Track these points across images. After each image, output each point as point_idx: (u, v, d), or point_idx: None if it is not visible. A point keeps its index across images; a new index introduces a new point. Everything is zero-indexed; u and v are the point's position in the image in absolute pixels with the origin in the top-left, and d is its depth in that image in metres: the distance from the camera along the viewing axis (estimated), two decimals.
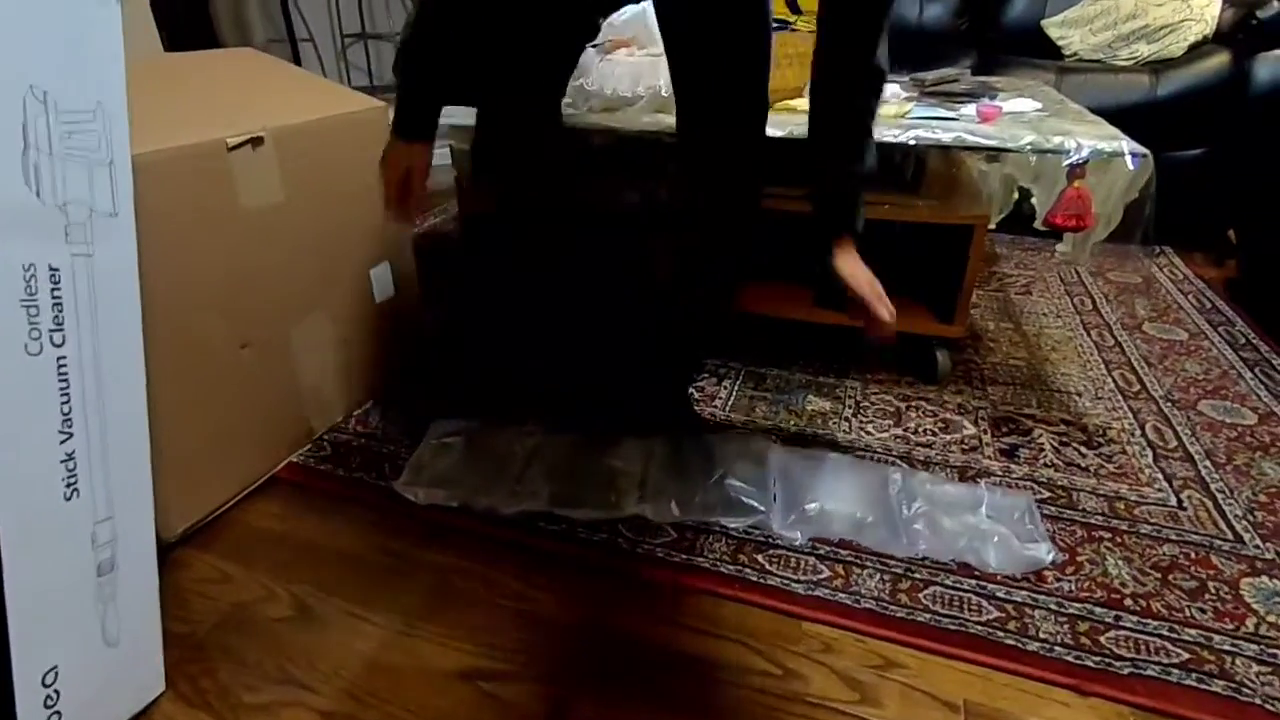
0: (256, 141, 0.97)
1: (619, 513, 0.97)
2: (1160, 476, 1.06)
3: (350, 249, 1.19)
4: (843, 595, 0.86)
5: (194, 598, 0.88)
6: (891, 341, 0.96)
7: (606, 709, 0.73)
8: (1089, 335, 1.52)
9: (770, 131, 1.17)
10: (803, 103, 1.34)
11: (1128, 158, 0.99)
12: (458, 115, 1.33)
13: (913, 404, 1.25)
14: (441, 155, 1.85)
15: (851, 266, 0.93)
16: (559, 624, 0.83)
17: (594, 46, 1.37)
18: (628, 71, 1.30)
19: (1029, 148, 1.04)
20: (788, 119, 1.23)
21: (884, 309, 0.90)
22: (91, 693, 0.66)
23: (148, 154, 0.83)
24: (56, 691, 0.62)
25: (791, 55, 1.36)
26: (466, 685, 0.76)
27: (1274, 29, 1.87)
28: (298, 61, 2.90)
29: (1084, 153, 1.01)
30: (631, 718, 0.72)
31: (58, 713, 0.62)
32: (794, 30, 1.45)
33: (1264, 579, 0.87)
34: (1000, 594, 0.85)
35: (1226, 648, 0.78)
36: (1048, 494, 1.02)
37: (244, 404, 1.02)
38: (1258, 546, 0.92)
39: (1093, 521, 0.97)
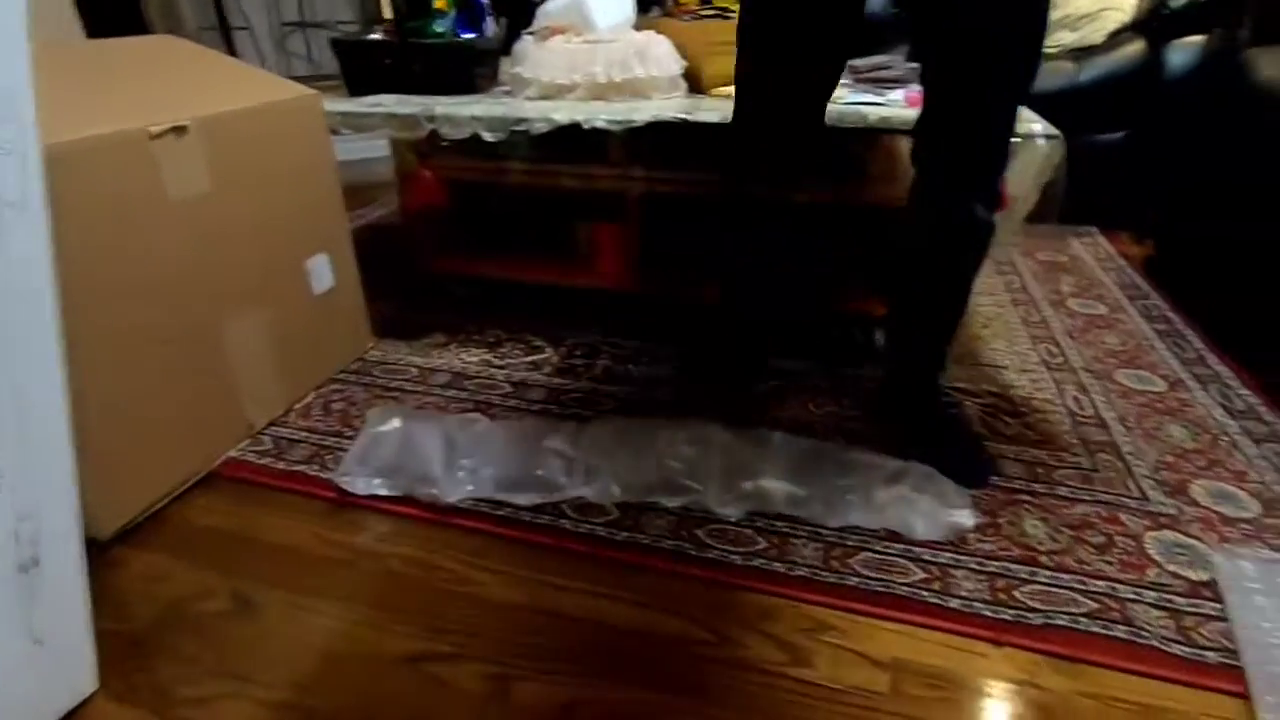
0: (180, 130, 0.95)
1: (561, 495, 0.99)
2: (1077, 441, 1.12)
3: (285, 240, 1.17)
4: (778, 564, 0.89)
5: (130, 596, 0.86)
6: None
7: (550, 685, 0.75)
8: (1017, 311, 1.58)
9: (706, 118, 1.19)
10: None
11: (1040, 139, 1.04)
12: (394, 104, 1.32)
13: (850, 382, 1.29)
14: (380, 147, 1.84)
15: None
16: (503, 605, 0.85)
17: (530, 34, 1.37)
18: (564, 59, 1.31)
19: None
20: (725, 106, 1.26)
21: None
22: (19, 691, 0.65)
23: (64, 144, 0.81)
24: None
25: (726, 43, 1.38)
26: (411, 669, 0.77)
27: (1185, 17, 1.97)
28: (232, 50, 2.81)
29: None
30: (574, 692, 0.74)
31: None
32: (728, 18, 1.47)
33: (1165, 532, 0.93)
34: (926, 557, 0.90)
35: (1129, 596, 0.84)
36: (996, 477, 1.07)
37: (177, 399, 1.00)
38: (1161, 503, 0.99)
39: (1014, 486, 1.02)
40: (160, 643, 0.80)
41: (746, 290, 1.21)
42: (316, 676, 0.76)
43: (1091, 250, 1.95)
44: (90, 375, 0.83)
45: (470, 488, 0.99)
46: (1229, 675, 0.74)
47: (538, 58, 1.32)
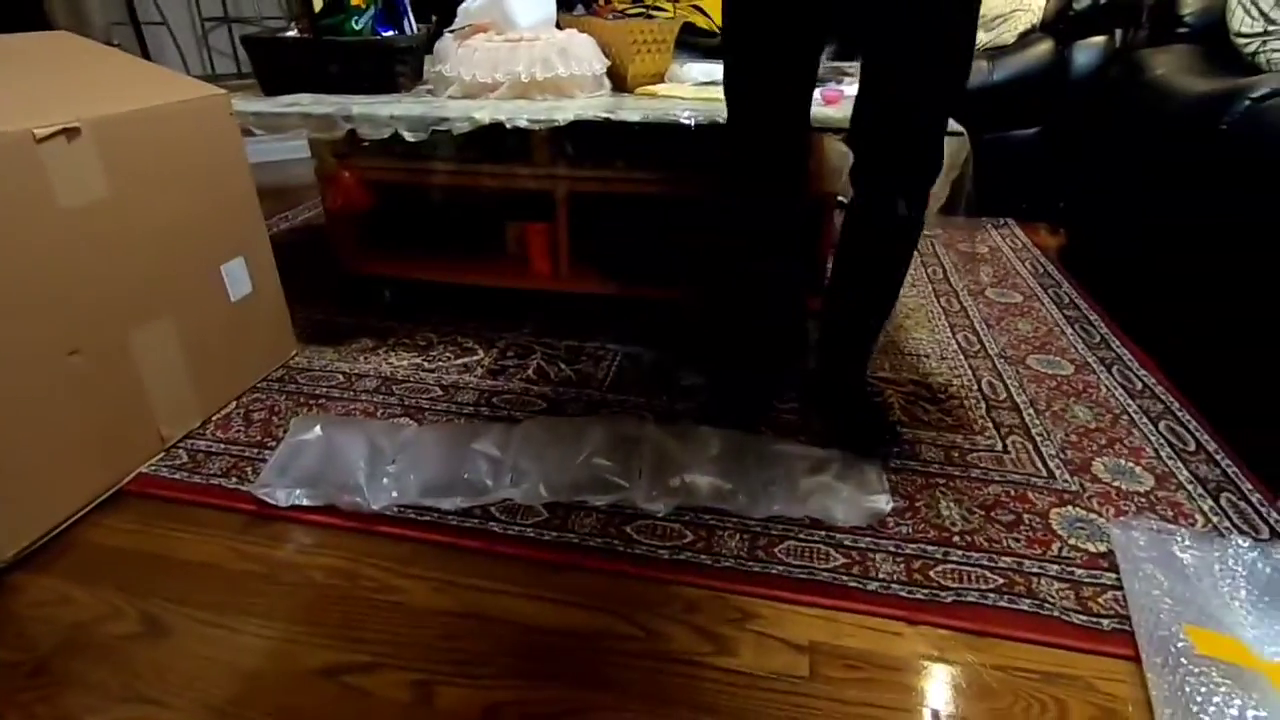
0: (71, 133, 0.91)
1: (489, 498, 0.98)
2: (990, 425, 1.18)
3: (196, 245, 1.12)
4: (705, 557, 0.90)
5: (30, 623, 0.82)
6: None
7: (474, 689, 0.74)
8: (939, 301, 1.64)
9: (628, 116, 1.20)
10: (663, 87, 1.38)
11: (947, 136, 1.08)
12: (310, 104, 1.29)
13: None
14: (301, 148, 1.79)
15: None
16: (427, 611, 0.84)
17: (451, 32, 1.35)
18: (486, 57, 1.29)
19: None
20: (648, 104, 1.27)
21: None
22: None
23: None
24: None
25: (650, 42, 1.39)
26: (329, 681, 0.75)
27: (1089, 18, 2.07)
28: (144, 47, 2.68)
29: None
30: (498, 694, 0.74)
31: None
32: (652, 18, 1.49)
33: (1069, 508, 0.99)
34: (847, 542, 0.92)
35: (1034, 570, 0.88)
36: (895, 448, 1.11)
37: (80, 414, 0.95)
38: (1066, 480, 1.04)
39: (931, 470, 1.06)
40: (63, 670, 0.77)
41: (745, 295, 1.20)
42: (231, 696, 0.74)
43: (1009, 241, 2.04)
44: None
45: (395, 494, 0.98)
46: (1122, 640, 0.79)
47: (459, 56, 1.30)
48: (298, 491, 0.98)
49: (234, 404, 1.22)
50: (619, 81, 1.39)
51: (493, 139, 1.27)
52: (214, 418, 1.18)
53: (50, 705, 0.73)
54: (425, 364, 1.36)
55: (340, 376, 1.31)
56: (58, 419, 0.92)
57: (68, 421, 0.94)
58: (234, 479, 1.04)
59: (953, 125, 1.11)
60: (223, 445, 1.11)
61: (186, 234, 1.10)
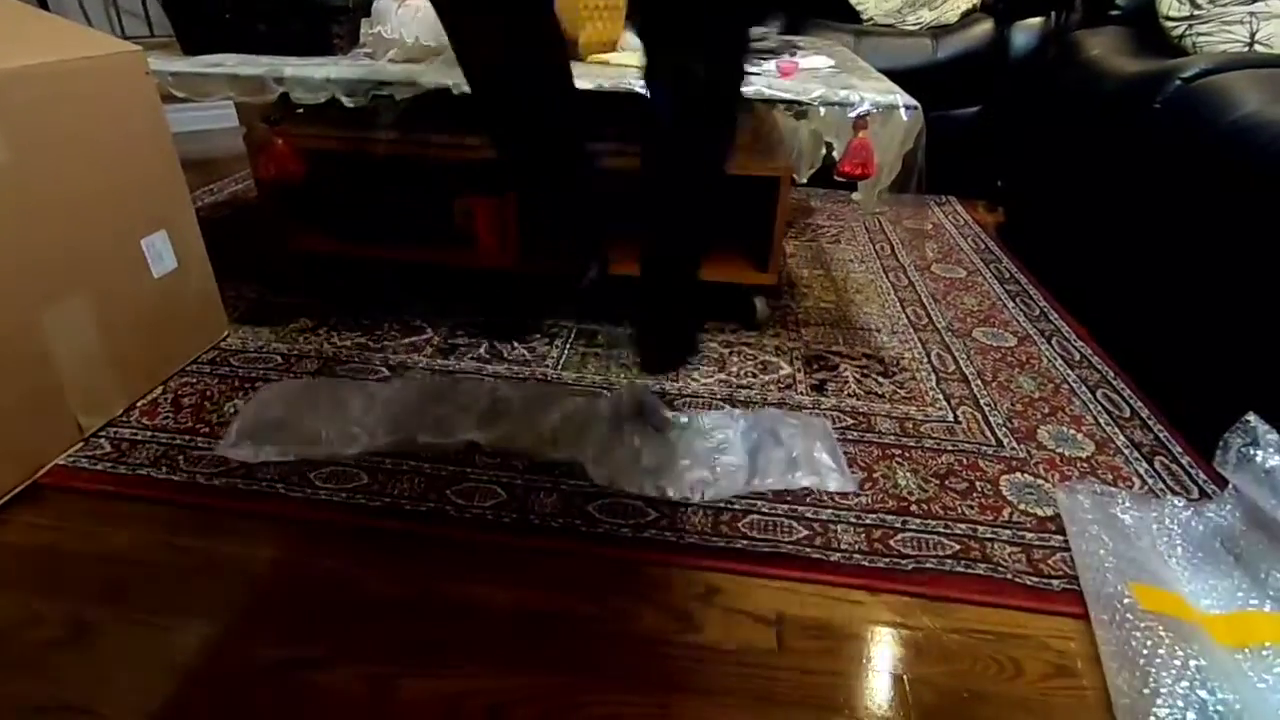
0: None
1: (455, 438, 0.95)
2: (941, 397, 1.20)
3: (112, 217, 1.03)
4: (669, 534, 0.89)
5: None
6: None
7: (436, 679, 0.72)
8: (888, 277, 1.67)
9: (581, 84, 1.16)
10: (616, 56, 1.34)
11: (902, 110, 1.09)
12: (237, 65, 1.20)
13: (735, 349, 1.32)
14: (229, 116, 1.67)
15: None
16: (383, 601, 0.80)
17: None
18: (429, 20, 1.23)
19: (819, 100, 1.11)
20: (599, 71, 1.23)
21: None
22: None
23: None
24: None
25: (602, 7, 1.34)
26: (279, 678, 0.71)
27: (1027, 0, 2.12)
28: (44, 5, 2.45)
29: (865, 105, 1.09)
30: (462, 684, 0.71)
31: None
32: None
33: (1018, 475, 1.02)
34: (809, 514, 0.93)
35: (988, 536, 0.91)
36: (850, 421, 1.12)
37: None
38: (1013, 448, 1.07)
39: (886, 441, 1.08)
40: None
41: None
42: (173, 700, 0.69)
43: (951, 218, 2.09)
44: None
45: (369, 442, 0.93)
46: (1071, 599, 0.82)
47: (400, 18, 1.23)
48: (267, 448, 0.93)
49: (160, 389, 1.14)
50: (569, 49, 1.34)
51: (438, 106, 1.21)
52: (139, 404, 1.10)
53: None
54: (370, 343, 1.29)
55: (278, 358, 1.24)
56: None
57: None
58: (164, 468, 0.97)
59: (907, 99, 1.12)
60: (150, 433, 1.04)
61: (101, 205, 1.01)
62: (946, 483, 1.00)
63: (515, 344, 1.31)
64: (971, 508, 0.95)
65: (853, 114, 1.09)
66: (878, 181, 1.18)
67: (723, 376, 1.23)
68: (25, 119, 0.89)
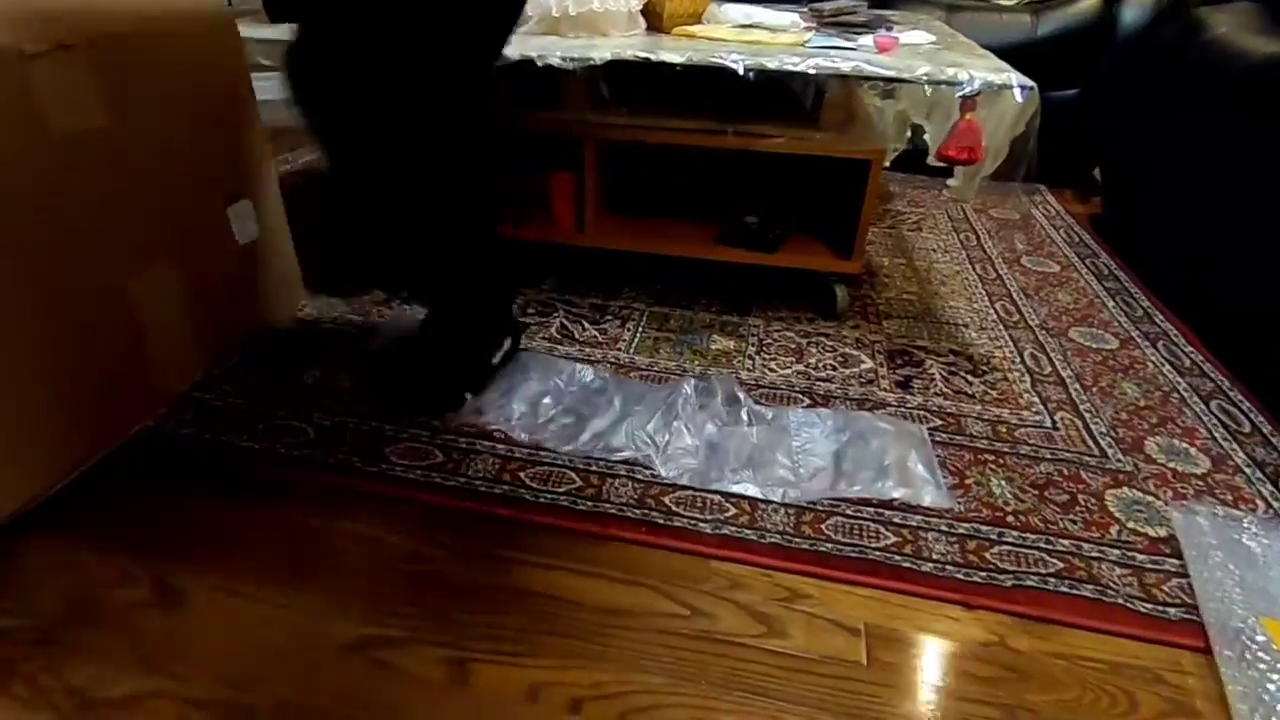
0: (67, 49, 0.81)
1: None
2: (1037, 400, 1.13)
3: (202, 184, 1.04)
4: (749, 532, 0.86)
5: (32, 589, 0.77)
6: None
7: (513, 668, 0.70)
8: (974, 269, 1.58)
9: (669, 58, 1.11)
10: (702, 28, 1.28)
11: (1016, 90, 1.01)
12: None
13: (813, 340, 1.26)
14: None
15: None
16: (457, 583, 0.79)
17: None
18: None
19: (925, 78, 1.03)
20: (686, 45, 1.17)
21: None
22: None
23: None
24: None
25: None
26: (358, 656, 0.71)
27: None
28: None
29: (976, 84, 1.02)
30: (539, 674, 0.70)
31: None
32: None
33: (1125, 489, 0.94)
34: (897, 520, 0.88)
35: (1094, 555, 0.84)
36: (939, 422, 1.06)
37: (77, 366, 0.88)
38: (1119, 460, 1.00)
39: (979, 445, 1.02)
40: (70, 639, 0.72)
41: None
42: (253, 670, 0.69)
43: (1041, 208, 1.97)
44: None
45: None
46: (1190, 630, 0.75)
47: None
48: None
49: (240, 356, 1.15)
50: (653, 20, 1.29)
51: (519, 78, 1.18)
52: (221, 371, 1.11)
53: (56, 676, 0.68)
54: None
55: (353, 330, 1.24)
56: (53, 372, 0.85)
57: (64, 374, 0.87)
58: (245, 437, 0.98)
59: (1022, 79, 1.03)
60: (229, 400, 1.05)
61: (192, 171, 1.02)
62: (1046, 494, 0.93)
63: (586, 325, 1.28)
64: (1075, 523, 0.89)
65: (962, 93, 1.02)
66: (980, 168, 1.10)
67: (800, 368, 1.18)
68: (123, 82, 0.89)
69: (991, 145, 1.04)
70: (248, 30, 1.16)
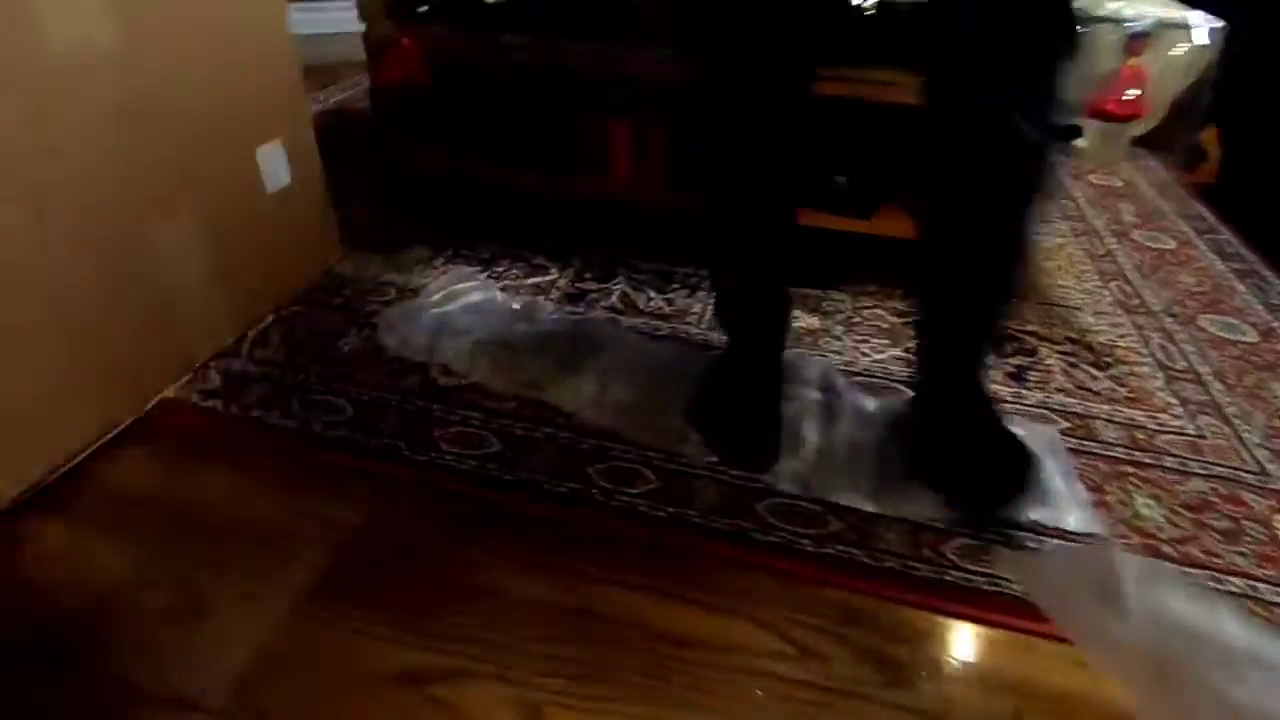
0: None
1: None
2: (1175, 401, 0.98)
3: (227, 123, 0.91)
4: (859, 552, 0.73)
5: (41, 583, 0.67)
6: None
7: (592, 714, 0.59)
8: (1079, 242, 1.41)
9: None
10: None
11: (1199, 29, 0.83)
12: None
13: (909, 320, 1.11)
14: (345, 20, 1.50)
15: None
16: (520, 602, 0.68)
17: None
18: None
19: (1082, 12, 0.86)
20: None
21: None
22: None
23: None
24: None
25: None
26: (409, 691, 0.60)
27: None
28: None
29: (1147, 22, 0.84)
30: None
31: None
32: None
33: None
34: (1031, 544, 0.75)
35: (1273, 599, 0.71)
36: (1064, 423, 0.92)
37: (90, 325, 0.77)
38: None
39: (1115, 454, 0.87)
40: (81, 649, 0.62)
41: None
42: (286, 702, 0.59)
43: (1145, 175, 1.76)
44: None
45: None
46: None
47: None
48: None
49: (272, 317, 1.04)
50: None
51: (585, 7, 1.02)
52: (250, 334, 1.00)
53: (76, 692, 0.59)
54: (491, 282, 1.16)
55: (393, 290, 1.12)
56: (64, 330, 0.74)
57: (76, 333, 0.76)
58: (277, 412, 0.87)
59: (1208, 18, 0.85)
60: (261, 368, 0.94)
61: (215, 109, 0.88)
62: (1203, 518, 0.79)
63: (653, 294, 1.14)
64: (1244, 556, 0.75)
65: (1130, 31, 0.84)
66: (1132, 127, 0.93)
67: (897, 352, 1.04)
68: (140, 3, 0.75)
69: (1158, 98, 0.87)
70: None
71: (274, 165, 0.99)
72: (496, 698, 0.60)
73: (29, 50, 0.66)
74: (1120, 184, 1.70)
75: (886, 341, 1.06)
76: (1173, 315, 1.18)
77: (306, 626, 0.64)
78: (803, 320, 1.10)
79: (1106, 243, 1.42)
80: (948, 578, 0.71)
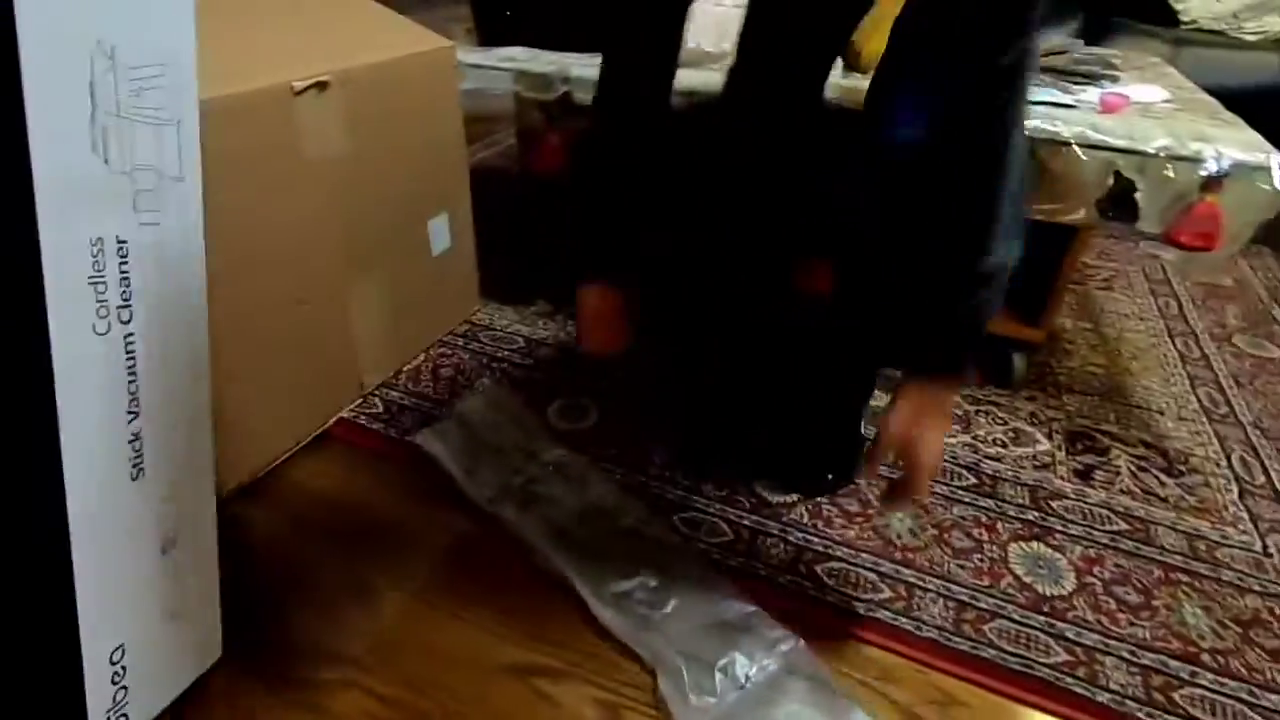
0: (322, 86, 0.91)
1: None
2: (1245, 516, 1.01)
3: (411, 201, 1.13)
4: (904, 620, 0.83)
5: (250, 558, 0.88)
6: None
7: (659, 718, 0.72)
8: (1173, 344, 1.43)
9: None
10: None
11: (1275, 172, 0.89)
12: (526, 60, 1.24)
13: (982, 408, 1.19)
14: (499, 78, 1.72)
15: (905, 419, 0.71)
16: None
17: None
18: (712, 23, 1.20)
19: (1163, 153, 0.94)
20: None
21: (920, 488, 0.72)
22: (154, 665, 0.66)
23: (207, 100, 0.77)
24: (123, 667, 0.62)
25: (889, 17, 1.23)
26: (520, 683, 0.75)
27: None
28: None
29: (1225, 164, 0.91)
30: None
31: (124, 687, 0.63)
32: None
33: None
34: (1070, 634, 0.82)
35: None
36: (1124, 525, 0.97)
37: (300, 360, 1.00)
38: None
39: (1171, 561, 0.92)
40: (280, 616, 0.81)
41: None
42: (429, 678, 0.75)
43: (1263, 275, 1.74)
44: (222, 339, 0.82)
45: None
46: None
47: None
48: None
49: (423, 356, 1.25)
50: (852, 60, 1.25)
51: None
52: (405, 369, 1.21)
53: (268, 649, 0.78)
54: None
55: (520, 340, 1.31)
56: (282, 365, 0.97)
57: (289, 367, 0.98)
58: (421, 436, 1.06)
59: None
60: (413, 399, 1.14)
61: (404, 188, 1.11)
62: (1251, 633, 0.83)
63: None
64: None
65: (1206, 174, 0.91)
66: (1215, 256, 0.99)
67: (968, 439, 1.12)
68: (362, 112, 0.98)
69: (1232, 232, 0.93)
70: (460, 54, 1.24)
71: (439, 233, 1.21)
72: (585, 696, 0.74)
73: (290, 157, 0.89)
74: (1230, 283, 1.69)
75: (958, 427, 1.14)
76: (1262, 429, 1.19)
77: (447, 619, 0.81)
78: (875, 399, 1.20)
79: (1203, 345, 1.43)
80: (983, 654, 0.79)
